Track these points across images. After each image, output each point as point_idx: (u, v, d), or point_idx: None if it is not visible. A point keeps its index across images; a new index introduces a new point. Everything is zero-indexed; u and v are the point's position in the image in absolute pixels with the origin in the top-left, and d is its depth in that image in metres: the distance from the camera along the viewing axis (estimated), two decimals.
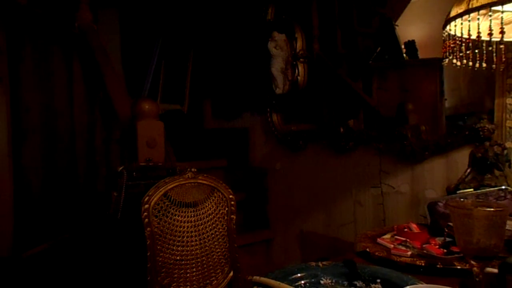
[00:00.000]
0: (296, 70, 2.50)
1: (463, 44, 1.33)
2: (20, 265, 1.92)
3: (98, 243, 1.72)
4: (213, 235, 1.24)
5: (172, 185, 1.19)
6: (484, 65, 1.34)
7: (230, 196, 1.31)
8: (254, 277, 0.85)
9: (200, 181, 1.24)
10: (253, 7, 2.73)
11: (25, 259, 1.95)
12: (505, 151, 1.53)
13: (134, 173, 1.32)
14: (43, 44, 2.22)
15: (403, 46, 2.43)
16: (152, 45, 3.42)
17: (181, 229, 1.19)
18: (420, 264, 1.01)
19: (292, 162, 2.57)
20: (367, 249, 1.14)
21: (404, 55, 2.41)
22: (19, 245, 2.00)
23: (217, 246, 1.25)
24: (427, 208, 1.30)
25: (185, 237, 1.20)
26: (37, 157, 2.21)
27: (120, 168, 1.32)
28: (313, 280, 0.89)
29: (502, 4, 1.15)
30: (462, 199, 1.28)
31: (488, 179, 1.47)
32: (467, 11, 1.22)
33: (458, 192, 1.48)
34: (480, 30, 1.27)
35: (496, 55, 1.35)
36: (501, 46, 1.30)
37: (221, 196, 1.30)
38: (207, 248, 1.23)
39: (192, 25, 3.24)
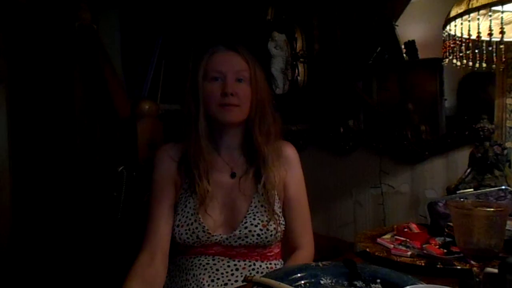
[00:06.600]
0: (296, 70, 2.50)
1: (463, 44, 1.33)
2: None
3: (99, 243, 1.72)
4: None
5: None
6: (484, 65, 1.34)
7: None
8: (254, 277, 0.85)
9: None
10: (253, 7, 2.73)
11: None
12: (505, 151, 1.53)
13: (134, 173, 1.32)
14: (43, 44, 2.22)
15: (403, 46, 2.43)
16: (153, 45, 3.42)
17: None
18: (420, 264, 1.01)
19: None
20: (367, 249, 1.14)
21: (404, 55, 2.40)
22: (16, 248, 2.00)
23: None
24: (427, 208, 1.30)
25: None
26: (36, 157, 2.21)
27: (120, 168, 1.32)
28: (313, 280, 0.89)
29: (502, 4, 1.16)
30: (462, 199, 1.28)
31: (488, 179, 1.47)
32: (467, 11, 1.22)
33: (458, 192, 1.47)
34: (480, 30, 1.27)
35: (496, 55, 1.35)
36: (501, 46, 1.30)
37: None
38: None
39: (193, 25, 3.24)
